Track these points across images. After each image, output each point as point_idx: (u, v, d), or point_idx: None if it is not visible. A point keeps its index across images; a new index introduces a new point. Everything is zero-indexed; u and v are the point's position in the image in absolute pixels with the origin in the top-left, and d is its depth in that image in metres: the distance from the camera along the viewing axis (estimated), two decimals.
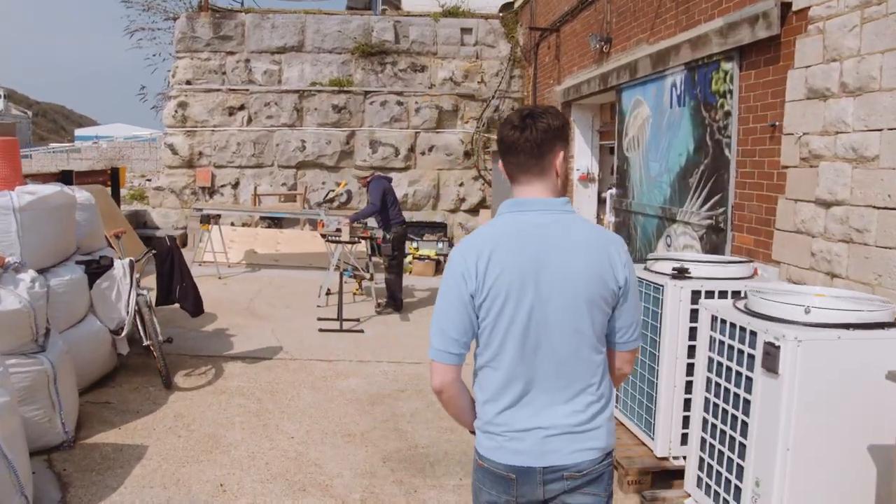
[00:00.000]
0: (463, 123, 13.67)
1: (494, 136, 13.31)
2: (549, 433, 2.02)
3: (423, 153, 13.56)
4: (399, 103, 13.42)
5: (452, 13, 13.65)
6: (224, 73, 13.38)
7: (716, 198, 5.77)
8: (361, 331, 7.85)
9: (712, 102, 5.85)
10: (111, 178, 12.60)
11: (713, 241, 5.84)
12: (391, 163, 13.44)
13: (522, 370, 2.03)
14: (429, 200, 13.65)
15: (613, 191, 8.46)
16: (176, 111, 13.31)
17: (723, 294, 4.16)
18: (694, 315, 4.08)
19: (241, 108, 13.37)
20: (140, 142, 29.76)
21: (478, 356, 2.11)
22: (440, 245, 12.15)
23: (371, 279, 9.18)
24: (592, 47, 8.87)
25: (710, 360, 3.62)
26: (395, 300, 8.73)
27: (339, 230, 8.68)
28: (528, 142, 2.02)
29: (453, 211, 13.81)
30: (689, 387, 4.12)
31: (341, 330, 7.78)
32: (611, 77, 8.30)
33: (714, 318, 3.60)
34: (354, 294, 9.49)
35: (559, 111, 2.46)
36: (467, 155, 13.65)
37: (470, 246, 2.04)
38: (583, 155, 10.60)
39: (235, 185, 13.45)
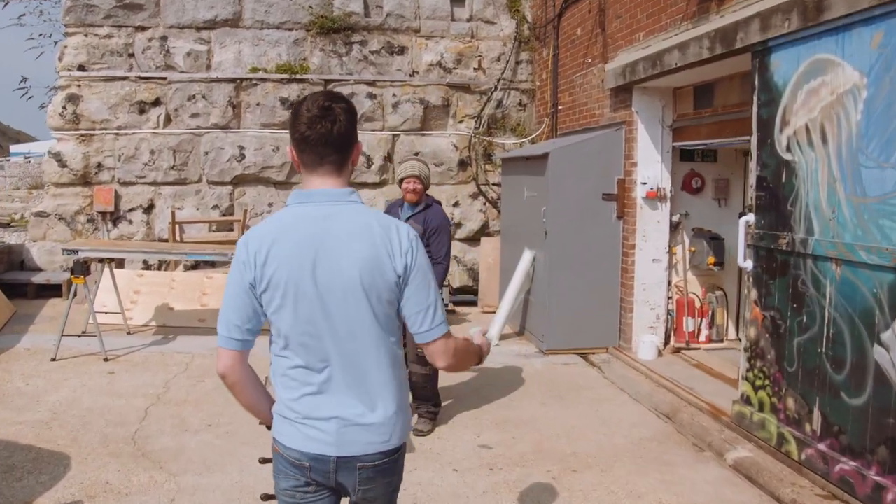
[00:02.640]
0: (456, 123, 10.34)
1: (498, 140, 10.02)
2: (346, 423, 2.06)
3: (403, 162, 10.14)
4: (371, 96, 10.02)
5: None
6: (132, 55, 9.80)
7: None
8: None
9: None
10: None
11: None
12: (361, 175, 10.03)
13: (313, 359, 2.06)
14: None
15: (749, 218, 5.21)
16: (64, 107, 9.67)
17: None
18: None
19: (156, 102, 9.80)
20: None
21: (274, 345, 2.11)
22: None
23: None
24: None
25: None
26: (431, 409, 5.44)
27: None
28: (333, 134, 2.03)
29: None
30: None
31: None
32: (744, 30, 5.07)
33: None
34: None
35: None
36: (463, 165, 10.32)
37: (252, 236, 2.06)
38: (649, 162, 7.36)
39: (149, 209, 9.85)
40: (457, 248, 10.44)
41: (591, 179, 7.52)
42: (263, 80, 9.86)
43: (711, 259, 7.53)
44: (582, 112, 8.52)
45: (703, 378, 6.67)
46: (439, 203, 5.33)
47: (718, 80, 6.49)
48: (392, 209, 5.30)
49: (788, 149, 4.79)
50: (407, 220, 4.97)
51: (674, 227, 7.59)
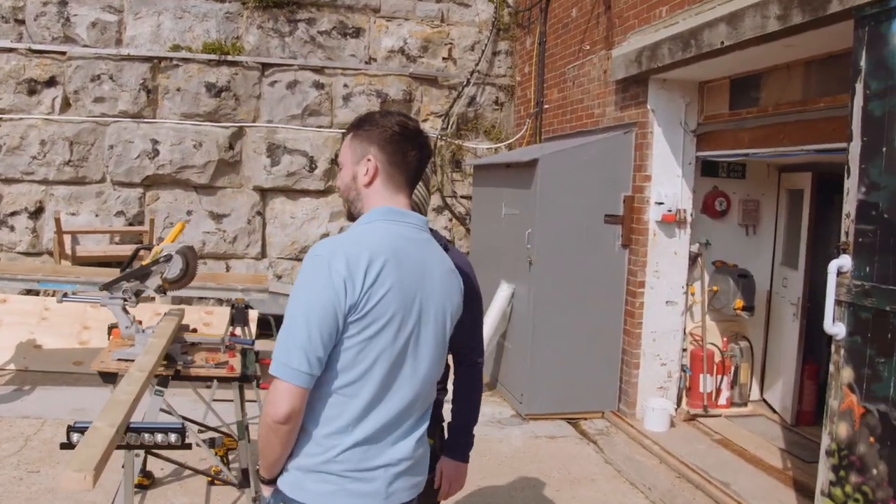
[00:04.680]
0: (420, 121, 8.59)
1: (469, 144, 8.33)
2: (397, 470, 1.88)
3: None
4: (317, 86, 8.26)
5: None
6: (21, 21, 7.90)
7: None
8: None
9: None
10: None
11: None
12: (301, 181, 8.25)
13: (383, 400, 1.84)
14: None
15: (843, 263, 3.56)
16: None
17: None
18: None
19: (51, 82, 7.91)
20: None
21: (329, 378, 1.80)
22: None
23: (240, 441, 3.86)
24: None
25: None
26: None
27: (189, 357, 3.44)
28: (422, 161, 1.98)
29: None
30: None
31: None
32: None
33: None
34: (211, 480, 4.16)
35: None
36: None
37: (352, 252, 1.77)
38: (666, 176, 5.72)
39: (36, 214, 7.93)
40: None
41: (590, 196, 5.85)
42: (187, 60, 8.02)
43: (739, 302, 5.91)
44: (576, 111, 6.87)
45: (736, 464, 5.03)
46: (451, 242, 3.03)
47: (770, 70, 4.89)
48: None
49: None
50: None
51: (691, 260, 5.96)
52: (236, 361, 3.42)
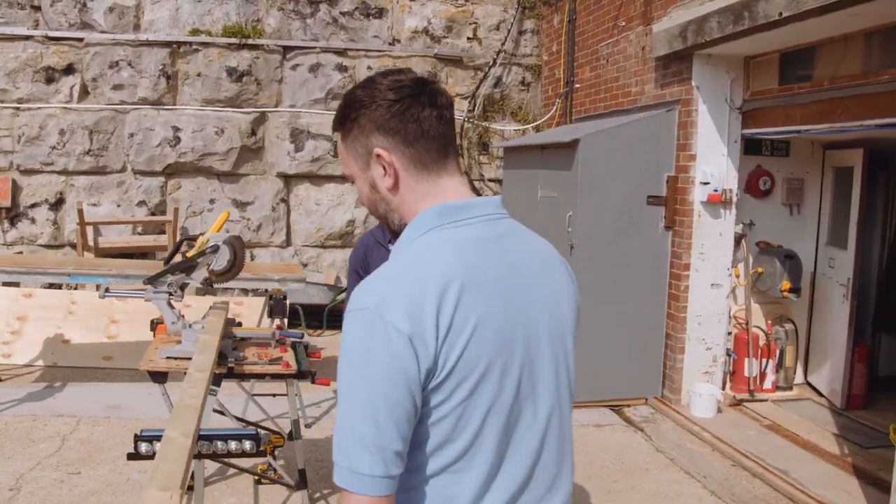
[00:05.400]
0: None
1: (496, 126, 8.13)
2: None
3: None
4: (341, 69, 8.06)
5: None
6: (37, 7, 7.73)
7: None
8: None
9: None
10: None
11: None
12: (326, 167, 8.09)
13: (504, 461, 1.32)
14: None
15: None
16: None
17: None
18: None
19: (69, 70, 7.75)
20: None
21: (426, 459, 1.28)
22: None
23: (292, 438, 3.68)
24: None
25: None
26: None
27: (240, 353, 3.30)
28: (446, 118, 1.38)
29: None
30: None
31: None
32: None
33: None
34: (258, 479, 4.02)
35: None
36: None
37: (413, 292, 1.22)
38: (711, 155, 5.53)
39: (57, 205, 7.80)
40: None
41: (632, 176, 5.67)
42: (206, 44, 7.84)
43: (786, 284, 5.74)
44: (611, 90, 6.67)
45: (791, 451, 4.89)
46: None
47: (825, 42, 4.68)
48: (371, 250, 2.68)
49: None
50: None
51: (736, 242, 5.78)
52: (290, 357, 3.27)
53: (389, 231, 1.46)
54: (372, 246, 2.56)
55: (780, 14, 4.20)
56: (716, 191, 5.46)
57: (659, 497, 4.26)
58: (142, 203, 7.89)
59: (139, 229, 7.92)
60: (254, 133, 7.94)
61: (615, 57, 6.58)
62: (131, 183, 7.89)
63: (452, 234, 1.33)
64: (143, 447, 2.13)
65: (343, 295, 7.75)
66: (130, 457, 2.17)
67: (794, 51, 4.96)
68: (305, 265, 8.23)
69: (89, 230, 7.38)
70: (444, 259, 1.28)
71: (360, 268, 2.59)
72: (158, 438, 2.22)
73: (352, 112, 1.39)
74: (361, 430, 1.21)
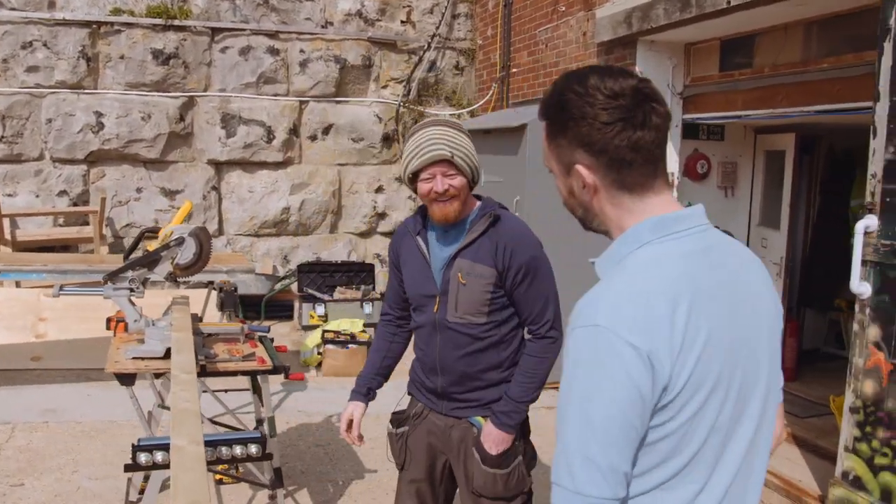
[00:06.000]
0: (380, 88, 8.32)
1: (431, 111, 8.08)
2: None
3: (313, 137, 8.08)
4: (272, 52, 7.84)
5: None
6: None
7: None
8: None
9: None
10: None
11: None
12: (259, 153, 7.86)
13: (707, 485, 1.25)
14: (324, 217, 8.20)
15: (870, 222, 3.56)
16: None
17: None
18: None
19: None
20: None
21: (639, 478, 1.22)
22: (369, 308, 6.71)
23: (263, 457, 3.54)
24: None
25: None
26: None
27: (210, 351, 3.16)
28: (658, 140, 1.27)
29: (366, 234, 8.44)
30: None
31: None
32: None
33: None
34: (220, 480, 3.86)
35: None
36: (388, 140, 8.33)
37: (644, 308, 1.17)
38: None
39: None
40: (381, 244, 8.48)
41: None
42: (130, 25, 7.47)
43: None
44: (550, 75, 6.73)
45: None
46: (505, 208, 2.47)
47: (766, 31, 4.84)
48: (402, 240, 2.49)
49: None
50: (451, 259, 2.33)
51: None
52: (262, 352, 3.17)
53: (586, 228, 1.41)
54: (403, 235, 2.50)
55: (729, 2, 4.31)
56: None
57: None
58: (63, 193, 7.48)
59: (61, 221, 7.51)
60: (182, 118, 7.63)
61: (555, 42, 6.63)
62: (50, 172, 7.46)
63: (669, 248, 1.27)
64: (143, 458, 2.00)
65: (282, 283, 7.58)
66: (128, 468, 2.05)
67: (735, 38, 5.12)
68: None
69: (6, 222, 6.95)
70: (668, 275, 1.23)
71: (394, 256, 2.53)
72: (159, 448, 2.10)
73: (560, 117, 1.30)
74: (592, 450, 1.16)
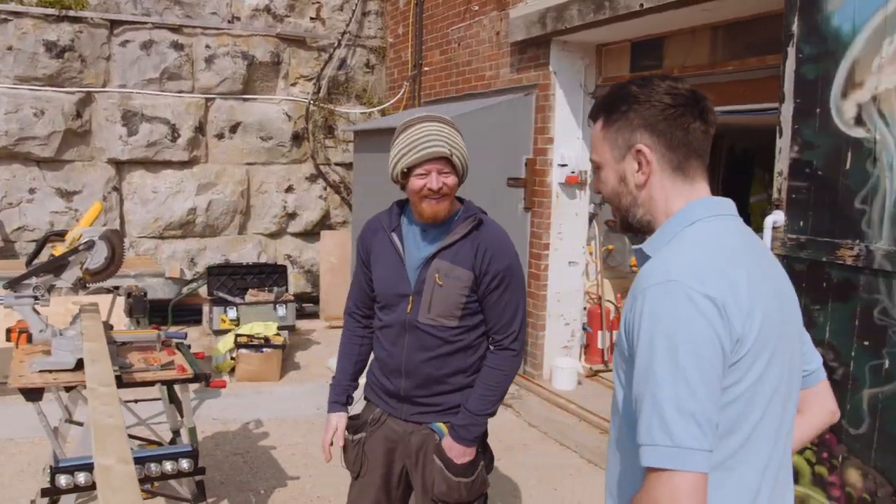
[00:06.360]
0: (289, 86, 8.14)
1: (340, 109, 7.99)
2: None
3: (220, 136, 7.83)
4: (176, 46, 7.54)
5: None
6: None
7: None
8: None
9: None
10: None
11: None
12: (163, 152, 7.55)
13: (774, 459, 1.31)
14: (233, 218, 7.96)
15: (777, 218, 3.73)
16: None
17: None
18: None
19: None
20: None
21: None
22: (282, 310, 6.54)
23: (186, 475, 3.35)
24: None
25: None
26: None
27: (125, 360, 2.97)
28: (710, 135, 1.41)
29: (276, 234, 8.24)
30: None
31: None
32: None
33: None
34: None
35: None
36: (297, 139, 8.16)
37: (715, 264, 1.26)
38: (568, 138, 5.76)
39: None
40: (291, 245, 8.31)
41: (493, 160, 5.79)
42: (18, 14, 7.02)
43: (635, 260, 6.11)
44: (463, 74, 6.75)
45: None
46: (485, 213, 2.43)
47: (674, 33, 5.00)
48: (374, 236, 2.39)
49: (859, 122, 3.33)
50: (429, 260, 2.28)
51: (588, 221, 6.08)
52: (181, 359, 3.03)
53: (623, 228, 1.47)
54: (376, 231, 2.41)
55: (642, 5, 4.43)
56: (573, 172, 5.70)
57: (542, 470, 4.42)
58: None
59: None
60: (79, 115, 7.24)
61: (467, 41, 6.66)
62: None
63: (722, 224, 1.36)
64: (63, 480, 1.85)
65: (190, 287, 7.31)
66: (46, 492, 1.89)
67: (646, 40, 5.26)
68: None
69: None
70: (729, 245, 1.31)
71: (364, 254, 2.44)
72: (81, 469, 1.94)
73: (623, 104, 1.40)
74: (687, 401, 1.16)
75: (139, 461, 1.97)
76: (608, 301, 6.30)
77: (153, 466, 1.99)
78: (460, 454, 2.28)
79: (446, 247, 2.28)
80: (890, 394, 3.18)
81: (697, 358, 1.17)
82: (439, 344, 2.29)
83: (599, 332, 6.18)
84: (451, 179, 2.25)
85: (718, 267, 1.26)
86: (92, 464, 2.01)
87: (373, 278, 2.41)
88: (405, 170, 2.23)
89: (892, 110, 3.19)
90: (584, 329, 6.16)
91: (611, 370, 6.13)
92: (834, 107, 3.42)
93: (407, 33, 7.84)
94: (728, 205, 1.41)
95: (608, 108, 1.43)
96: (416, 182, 2.23)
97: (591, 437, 4.91)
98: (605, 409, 5.25)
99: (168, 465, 2.00)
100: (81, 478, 1.97)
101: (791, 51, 3.59)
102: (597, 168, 1.50)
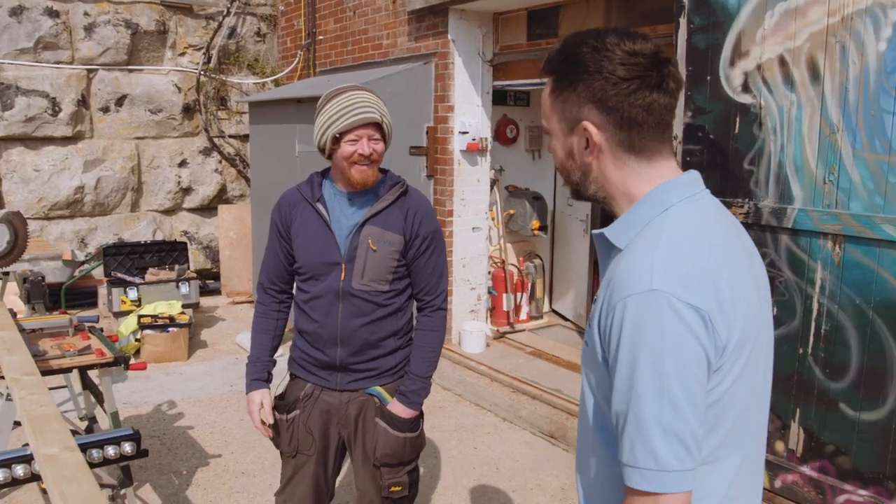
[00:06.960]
0: (177, 56, 7.84)
1: (233, 79, 7.80)
2: None
3: (105, 109, 7.47)
4: (51, 13, 7.10)
5: None
6: None
7: None
8: None
9: None
10: None
11: None
12: (43, 127, 7.14)
13: (755, 448, 1.30)
14: (124, 195, 7.65)
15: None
16: None
17: None
18: None
19: None
20: None
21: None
22: (185, 288, 6.38)
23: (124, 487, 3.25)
24: None
25: None
26: None
27: (38, 348, 2.85)
28: (671, 106, 1.24)
29: (171, 211, 7.98)
30: None
31: None
32: None
33: None
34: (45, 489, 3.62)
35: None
36: (189, 111, 7.90)
37: (694, 272, 1.15)
38: (468, 106, 5.85)
39: None
40: (188, 220, 8.08)
41: (395, 128, 5.79)
42: None
43: (536, 223, 6.34)
44: (359, 42, 6.70)
45: (557, 371, 5.49)
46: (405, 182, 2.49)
47: (569, 3, 5.16)
48: (294, 208, 2.38)
49: (746, 89, 3.58)
50: (360, 227, 2.31)
51: (490, 187, 6.23)
52: (98, 343, 2.95)
53: (577, 198, 1.36)
54: (295, 203, 2.39)
55: None
56: (474, 140, 5.81)
57: (461, 431, 4.57)
58: None
59: None
60: None
61: (363, 9, 6.61)
62: None
63: (695, 208, 1.24)
64: (20, 470, 1.79)
65: (84, 269, 6.99)
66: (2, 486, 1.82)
67: (542, 9, 5.39)
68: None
69: None
70: (709, 234, 1.21)
71: (282, 226, 2.41)
72: (18, 461, 1.86)
73: (571, 72, 1.23)
74: (671, 421, 1.10)
75: (80, 448, 1.93)
76: (511, 265, 6.50)
77: (94, 453, 1.95)
78: (408, 416, 2.38)
79: (376, 213, 2.33)
80: (778, 338, 3.49)
81: (682, 374, 1.11)
82: (373, 308, 2.35)
83: (504, 296, 6.37)
84: (380, 146, 2.32)
85: (701, 266, 1.16)
86: (28, 455, 1.95)
87: (295, 250, 2.41)
88: (337, 135, 2.24)
89: (774, 78, 3.45)
90: (489, 293, 6.34)
91: (517, 331, 6.36)
92: (723, 74, 3.66)
93: (299, 1, 7.68)
94: (697, 180, 1.28)
95: (557, 71, 1.27)
96: (346, 148, 2.25)
97: (503, 396, 5.10)
98: (514, 368, 5.46)
99: (111, 450, 1.97)
100: (20, 470, 1.91)
101: (682, 21, 3.79)
102: (546, 133, 1.36)
